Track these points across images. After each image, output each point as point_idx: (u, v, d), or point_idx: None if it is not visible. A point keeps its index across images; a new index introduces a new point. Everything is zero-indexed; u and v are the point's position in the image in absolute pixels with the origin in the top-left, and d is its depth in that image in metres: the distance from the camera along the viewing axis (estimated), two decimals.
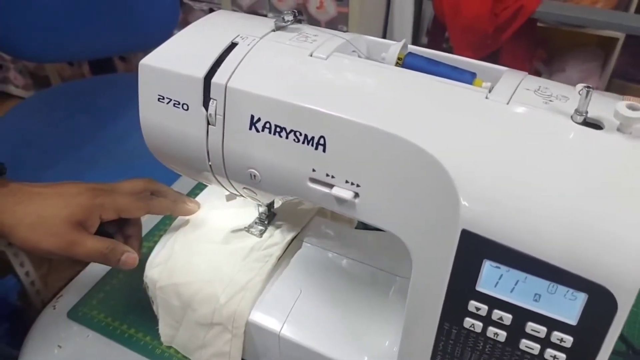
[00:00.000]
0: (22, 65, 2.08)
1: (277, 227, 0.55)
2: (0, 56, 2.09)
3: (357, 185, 0.37)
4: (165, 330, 0.53)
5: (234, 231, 0.54)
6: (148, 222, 0.68)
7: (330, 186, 0.38)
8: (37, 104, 1.22)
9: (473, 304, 0.35)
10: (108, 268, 0.62)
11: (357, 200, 0.38)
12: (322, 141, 0.37)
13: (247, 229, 0.55)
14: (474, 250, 0.33)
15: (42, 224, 0.46)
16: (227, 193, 0.53)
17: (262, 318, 0.48)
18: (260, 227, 0.55)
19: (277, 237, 0.54)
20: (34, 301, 1.00)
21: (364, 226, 0.66)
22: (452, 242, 0.34)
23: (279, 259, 0.52)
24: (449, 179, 0.33)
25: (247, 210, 0.56)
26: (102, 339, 0.55)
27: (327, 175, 0.38)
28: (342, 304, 0.49)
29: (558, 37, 1.70)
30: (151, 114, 0.44)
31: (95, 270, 0.62)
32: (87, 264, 0.64)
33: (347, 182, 0.37)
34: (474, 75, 0.39)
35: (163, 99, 0.42)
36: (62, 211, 0.46)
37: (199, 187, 0.73)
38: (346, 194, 0.38)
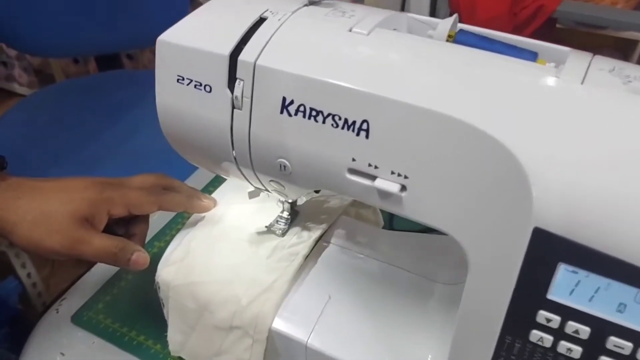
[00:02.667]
0: (27, 62, 2.05)
1: (301, 226, 0.50)
2: (5, 53, 2.06)
3: (405, 177, 0.33)
4: (174, 336, 0.49)
5: (255, 229, 0.50)
6: (159, 220, 0.64)
7: (373, 178, 0.34)
8: (42, 101, 1.19)
9: (543, 315, 0.30)
10: (115, 268, 0.58)
11: (404, 194, 0.33)
12: (364, 126, 0.33)
13: (269, 227, 0.50)
14: (548, 251, 0.28)
15: (45, 220, 0.42)
16: (251, 189, 0.48)
17: (287, 325, 0.43)
18: (283, 226, 0.50)
19: (302, 236, 0.49)
20: (35, 304, 0.96)
21: (390, 227, 0.62)
22: (521, 242, 0.29)
23: (305, 258, 0.47)
24: (520, 169, 0.28)
25: (268, 206, 0.52)
26: (108, 346, 0.51)
27: (370, 165, 0.33)
28: (376, 313, 0.44)
29: (574, 39, 1.66)
30: (169, 97, 0.39)
31: (102, 271, 0.58)
32: (92, 264, 0.59)
33: (392, 173, 0.33)
34: (535, 54, 0.35)
35: (183, 79, 0.38)
36: (66, 206, 0.42)
37: (212, 185, 0.68)
38: (392, 186, 0.33)
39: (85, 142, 1.00)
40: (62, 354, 0.50)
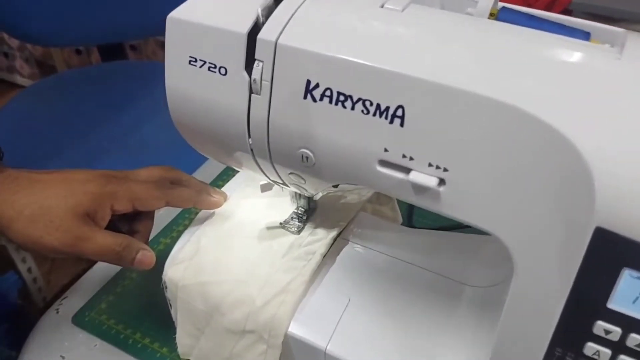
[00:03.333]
0: (29, 53, 2.02)
1: (318, 223, 0.47)
2: (7, 44, 2.03)
3: (444, 170, 0.29)
4: (183, 339, 0.46)
5: (268, 226, 0.47)
6: (164, 215, 0.61)
7: (407, 170, 0.30)
8: (43, 91, 1.17)
9: (601, 326, 0.27)
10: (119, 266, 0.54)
11: (442, 189, 0.30)
12: (399, 112, 0.29)
13: (283, 224, 0.47)
14: (610, 255, 0.25)
15: (44, 215, 0.39)
16: (264, 182, 0.45)
17: (304, 330, 0.40)
18: (298, 223, 0.47)
19: (320, 234, 0.46)
20: (36, 299, 0.93)
21: (408, 224, 0.59)
22: (580, 244, 0.26)
23: (323, 257, 0.44)
24: (582, 162, 0.25)
25: (282, 201, 0.48)
26: (111, 349, 0.48)
27: (404, 156, 0.30)
28: (399, 318, 0.41)
29: None
30: (179, 80, 0.36)
31: (105, 269, 0.55)
32: (94, 261, 0.56)
33: (430, 165, 0.29)
34: (587, 34, 0.31)
35: (195, 61, 0.34)
36: (67, 201, 0.39)
37: (221, 178, 0.65)
38: (429, 180, 0.29)
39: (88, 134, 0.99)
40: (62, 357, 0.47)
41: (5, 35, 1.94)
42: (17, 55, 2.07)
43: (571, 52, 0.28)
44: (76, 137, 0.98)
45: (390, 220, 0.55)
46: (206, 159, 0.69)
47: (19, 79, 2.13)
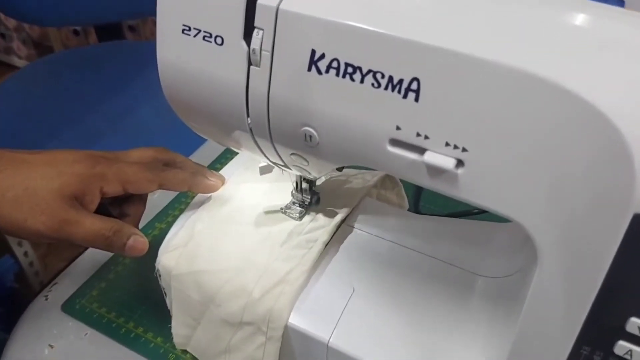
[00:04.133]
0: (26, 34, 1.98)
1: (320, 209, 0.44)
2: (4, 25, 1.99)
3: (463, 150, 0.26)
4: (179, 329, 0.43)
5: (268, 212, 0.44)
6: (159, 200, 0.58)
7: (422, 150, 0.28)
8: (39, 72, 1.15)
9: (635, 323, 0.24)
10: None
11: (460, 171, 0.27)
12: (414, 86, 0.26)
13: (284, 210, 0.44)
14: None
15: (29, 198, 0.36)
16: (263, 164, 0.42)
17: (305, 322, 0.37)
18: (300, 209, 0.44)
19: (322, 220, 0.43)
20: (32, 283, 0.91)
21: (415, 212, 0.56)
22: (615, 232, 0.23)
23: (326, 245, 0.41)
24: (620, 141, 0.22)
25: (283, 185, 0.46)
26: (102, 338, 0.46)
27: (419, 135, 0.27)
28: (407, 309, 0.38)
29: None
30: (172, 51, 0.33)
31: (96, 255, 0.53)
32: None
33: (447, 144, 0.27)
34: (622, 2, 0.28)
35: (189, 29, 0.31)
36: (53, 182, 0.37)
37: (220, 161, 0.62)
38: (445, 161, 0.27)
39: (84, 115, 0.97)
40: (51, 346, 0.45)
41: (2, 16, 1.91)
42: (14, 37, 2.04)
43: (606, 20, 0.25)
44: (71, 119, 0.96)
45: (396, 206, 0.52)
46: (204, 141, 0.67)
47: (16, 61, 2.10)
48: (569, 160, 0.24)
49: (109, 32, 1.33)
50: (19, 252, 0.93)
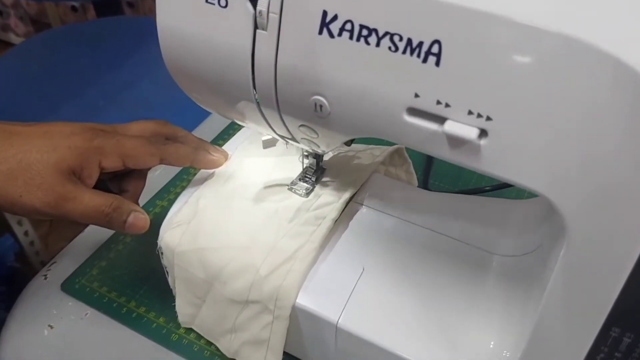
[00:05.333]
0: (24, 11, 1.95)
1: (328, 185, 0.43)
2: (1, 1, 1.96)
3: (487, 118, 0.24)
4: (183, 308, 0.42)
5: (274, 188, 0.42)
6: (161, 176, 0.56)
7: (442, 120, 0.26)
8: (36, 48, 1.13)
9: None
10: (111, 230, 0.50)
11: (483, 142, 0.25)
12: (435, 49, 0.24)
13: (290, 186, 0.42)
14: None
15: (24, 172, 0.35)
16: (266, 137, 0.40)
17: (314, 302, 0.36)
18: (306, 185, 0.42)
19: (330, 197, 0.41)
20: (33, 262, 0.90)
21: (424, 188, 0.54)
22: None
23: (335, 222, 0.39)
24: None
25: (289, 160, 0.44)
26: (103, 318, 0.45)
27: (439, 103, 0.25)
28: (419, 289, 0.37)
29: None
30: (172, 15, 0.31)
31: (97, 233, 0.51)
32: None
33: (470, 113, 0.25)
34: None
35: None
36: (49, 156, 0.35)
37: (222, 137, 0.60)
38: (468, 131, 0.25)
39: (83, 91, 0.96)
40: (51, 327, 0.44)
41: None
42: (11, 13, 2.01)
43: None
44: (70, 95, 0.95)
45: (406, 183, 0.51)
46: (205, 116, 0.65)
47: (14, 38, 2.07)
48: (603, 130, 0.22)
49: (107, 7, 1.30)
50: (19, 231, 0.92)
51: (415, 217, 0.41)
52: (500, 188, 0.51)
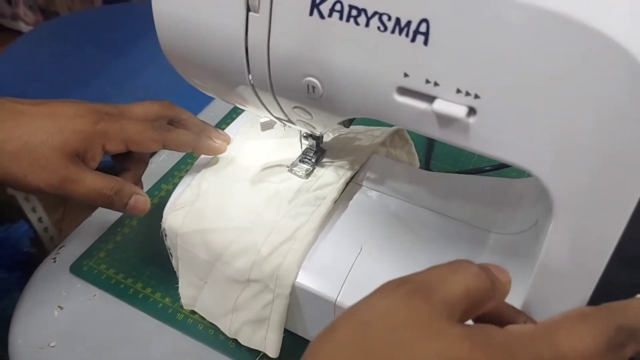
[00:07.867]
0: (32, 0, 1.95)
1: (328, 166, 0.43)
2: None
3: (475, 96, 0.25)
4: (186, 290, 0.43)
5: (274, 170, 0.43)
6: (166, 161, 0.57)
7: (431, 99, 0.26)
8: (44, 36, 1.14)
9: None
10: (118, 213, 0.51)
11: (472, 120, 0.25)
12: (422, 27, 0.24)
13: (290, 168, 0.43)
14: None
15: (29, 153, 0.36)
16: (264, 119, 0.41)
17: (313, 280, 0.37)
18: (306, 167, 0.43)
19: (330, 178, 0.42)
20: (47, 247, 0.92)
21: (426, 169, 0.54)
22: (634, 185, 0.21)
23: (334, 202, 0.40)
24: None
25: (289, 142, 0.44)
26: (111, 299, 0.46)
27: (428, 81, 0.25)
28: (417, 268, 0.37)
29: None
30: (167, 1, 0.31)
31: (104, 216, 0.52)
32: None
33: (458, 91, 0.25)
34: None
35: None
36: (54, 138, 0.36)
37: (225, 122, 0.61)
38: (456, 109, 0.25)
39: (90, 78, 0.97)
40: (61, 308, 0.45)
41: None
42: (20, 2, 2.01)
43: None
44: (78, 82, 0.96)
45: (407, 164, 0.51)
46: (209, 102, 0.66)
47: (23, 27, 2.08)
48: (590, 107, 0.22)
49: None
50: (33, 217, 0.94)
51: (414, 197, 0.42)
52: (500, 168, 0.51)
